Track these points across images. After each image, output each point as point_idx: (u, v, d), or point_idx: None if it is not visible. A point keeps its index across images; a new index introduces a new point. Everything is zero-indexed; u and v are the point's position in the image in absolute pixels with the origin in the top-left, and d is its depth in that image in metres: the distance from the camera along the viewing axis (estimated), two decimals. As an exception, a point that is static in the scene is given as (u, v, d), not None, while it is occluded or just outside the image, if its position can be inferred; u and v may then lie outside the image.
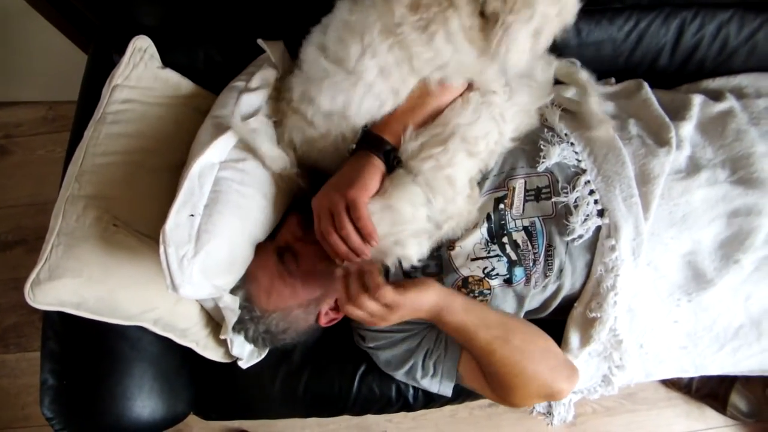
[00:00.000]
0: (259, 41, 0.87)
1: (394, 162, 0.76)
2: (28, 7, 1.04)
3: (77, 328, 0.81)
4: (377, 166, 0.75)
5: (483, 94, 0.77)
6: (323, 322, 0.88)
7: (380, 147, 0.75)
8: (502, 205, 0.80)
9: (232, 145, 0.76)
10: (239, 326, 0.85)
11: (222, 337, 0.85)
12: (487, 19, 0.69)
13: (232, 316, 0.81)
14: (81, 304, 0.75)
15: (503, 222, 0.80)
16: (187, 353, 0.88)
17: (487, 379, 0.81)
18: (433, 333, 0.86)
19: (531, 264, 0.80)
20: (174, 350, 0.88)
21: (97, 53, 0.93)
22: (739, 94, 0.91)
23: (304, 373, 0.95)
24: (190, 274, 0.68)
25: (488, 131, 0.77)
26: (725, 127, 0.84)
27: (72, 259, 0.73)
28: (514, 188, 0.81)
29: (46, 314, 0.82)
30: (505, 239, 0.80)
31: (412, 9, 0.68)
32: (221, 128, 0.76)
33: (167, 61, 0.90)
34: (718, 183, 0.80)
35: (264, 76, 0.84)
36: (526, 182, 0.81)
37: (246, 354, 0.90)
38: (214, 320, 0.90)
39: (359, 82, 0.72)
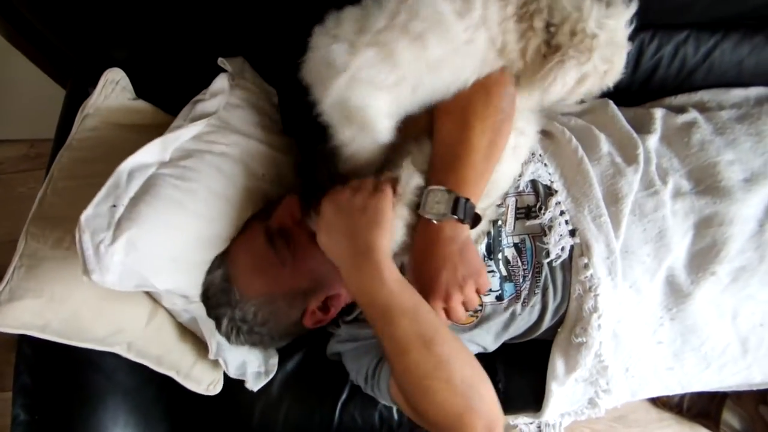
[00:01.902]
0: (220, 60, 0.89)
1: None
2: (7, 44, 1.06)
3: (51, 362, 0.80)
4: (471, 237, 0.72)
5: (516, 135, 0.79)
6: (309, 322, 0.82)
7: (478, 219, 0.72)
8: (499, 222, 0.82)
9: (172, 147, 0.76)
10: (213, 312, 0.80)
11: (211, 357, 0.81)
12: (548, 50, 0.72)
13: (210, 329, 0.79)
14: (45, 327, 0.74)
15: (499, 238, 0.81)
16: (164, 386, 0.86)
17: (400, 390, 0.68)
18: None
19: (521, 280, 0.80)
20: (150, 382, 0.86)
21: (73, 88, 0.95)
22: (702, 108, 0.94)
23: (283, 404, 0.93)
24: (109, 262, 0.66)
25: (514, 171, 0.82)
26: (690, 137, 0.86)
27: (33, 280, 0.73)
28: (508, 206, 0.83)
29: (19, 349, 0.80)
30: (499, 255, 0.81)
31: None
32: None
33: (141, 92, 0.92)
34: (685, 194, 0.82)
35: (220, 83, 0.86)
36: (516, 200, 0.83)
37: (250, 375, 0.87)
38: (195, 348, 0.88)
39: (471, 43, 0.70)
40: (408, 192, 0.69)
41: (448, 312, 0.69)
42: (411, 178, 0.70)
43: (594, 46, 0.69)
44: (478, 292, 0.69)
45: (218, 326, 0.82)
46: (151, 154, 0.75)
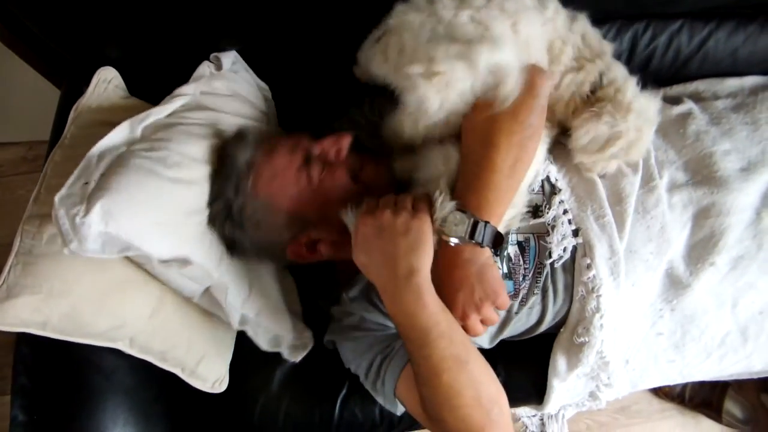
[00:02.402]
0: (213, 56, 0.90)
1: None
2: (3, 47, 1.06)
3: (49, 362, 0.79)
4: (492, 259, 0.70)
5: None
6: (291, 251, 0.81)
7: (501, 244, 0.70)
8: None
9: (141, 126, 0.77)
10: (216, 188, 0.78)
11: (235, 328, 0.82)
12: (590, 97, 0.79)
13: (223, 293, 0.78)
14: (46, 323, 0.74)
15: (507, 234, 0.80)
16: (165, 385, 0.86)
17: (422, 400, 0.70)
18: (390, 337, 0.82)
19: (520, 278, 0.80)
20: (151, 382, 0.86)
21: (68, 88, 0.95)
22: (697, 98, 0.94)
23: (284, 401, 0.93)
24: (86, 233, 0.67)
25: None
26: (686, 128, 0.86)
27: (30, 276, 0.73)
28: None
29: (17, 349, 0.80)
30: (504, 252, 0.80)
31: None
32: None
33: (134, 91, 0.92)
34: (681, 186, 0.82)
35: (201, 70, 0.87)
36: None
37: (285, 348, 0.87)
38: (202, 344, 0.87)
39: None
40: (441, 218, 0.68)
41: (466, 329, 0.69)
42: (445, 204, 0.68)
43: (631, 108, 0.75)
44: (498, 307, 0.69)
45: (211, 202, 0.79)
46: (120, 135, 0.76)
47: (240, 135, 0.81)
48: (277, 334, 0.88)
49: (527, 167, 0.73)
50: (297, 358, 0.89)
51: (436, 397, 0.65)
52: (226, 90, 0.89)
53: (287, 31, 0.92)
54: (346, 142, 0.80)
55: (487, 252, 0.68)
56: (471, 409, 0.64)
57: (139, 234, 0.72)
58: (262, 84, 0.97)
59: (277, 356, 0.93)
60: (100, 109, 0.87)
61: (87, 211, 0.67)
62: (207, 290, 0.81)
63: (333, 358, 0.90)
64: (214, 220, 0.80)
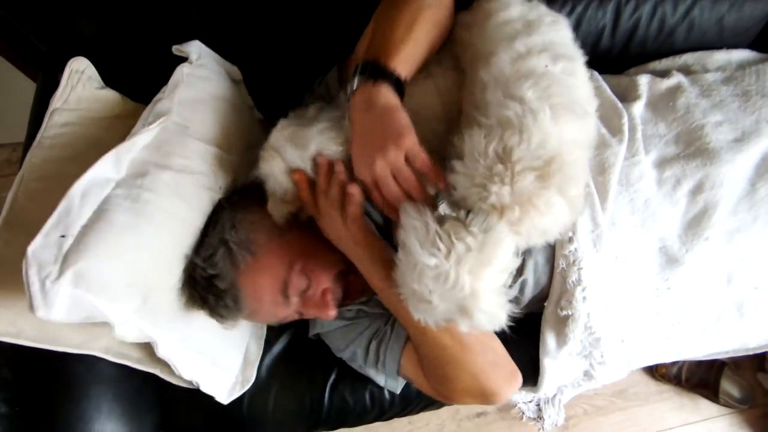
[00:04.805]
0: (175, 48, 0.86)
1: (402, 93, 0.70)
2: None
3: (30, 354, 0.77)
4: (397, 102, 0.66)
5: None
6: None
7: (392, 77, 0.67)
8: None
9: (128, 160, 0.72)
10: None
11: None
12: None
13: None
14: (18, 334, 0.72)
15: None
16: (150, 374, 0.84)
17: (422, 368, 0.77)
18: (382, 318, 0.83)
19: None
20: (135, 371, 0.83)
21: (44, 78, 0.93)
22: (687, 71, 0.92)
23: (273, 388, 0.92)
24: (53, 297, 0.63)
25: None
26: (675, 101, 0.85)
27: (4, 288, 0.71)
28: None
29: (-3, 341, 0.79)
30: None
31: None
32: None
33: (109, 78, 0.90)
34: (673, 160, 0.80)
35: (173, 80, 0.81)
36: None
37: (224, 388, 0.85)
38: None
39: None
40: (349, 91, 0.69)
41: (379, 187, 0.64)
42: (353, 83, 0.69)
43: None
44: (408, 160, 0.64)
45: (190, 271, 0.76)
46: (104, 169, 0.70)
47: (209, 259, 0.75)
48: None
49: (427, 33, 0.73)
50: (230, 398, 0.87)
51: (431, 357, 0.72)
52: (201, 92, 0.84)
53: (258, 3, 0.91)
54: (332, 313, 0.77)
55: (385, 92, 0.65)
56: (469, 358, 0.70)
57: (109, 297, 0.67)
58: (232, 67, 0.94)
59: (264, 344, 0.93)
60: (77, 104, 0.85)
61: (59, 274, 0.63)
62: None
63: (320, 344, 0.89)
64: (207, 228, 0.77)
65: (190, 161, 0.76)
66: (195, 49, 0.86)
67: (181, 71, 0.82)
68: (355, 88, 0.67)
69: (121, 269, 0.68)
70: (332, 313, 0.76)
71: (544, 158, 0.58)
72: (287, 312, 0.77)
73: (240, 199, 0.78)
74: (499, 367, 0.74)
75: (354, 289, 0.80)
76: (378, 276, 0.70)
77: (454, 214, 0.60)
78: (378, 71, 0.66)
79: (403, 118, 0.64)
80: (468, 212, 0.59)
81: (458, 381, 0.72)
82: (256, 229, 0.75)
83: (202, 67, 0.86)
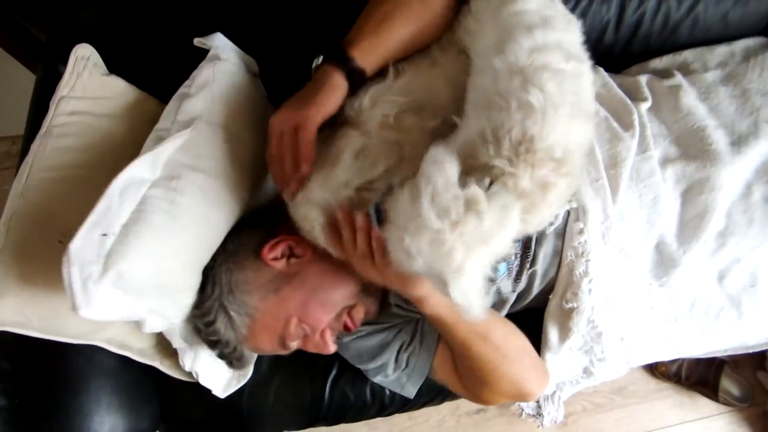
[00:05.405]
0: (197, 40, 0.85)
1: (357, 82, 0.72)
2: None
3: (30, 346, 0.77)
4: (340, 85, 0.69)
5: None
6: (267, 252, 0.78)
7: (346, 63, 0.70)
8: None
9: (162, 161, 0.72)
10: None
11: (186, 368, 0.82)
12: None
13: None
14: (25, 324, 0.72)
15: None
16: (150, 367, 0.85)
17: (459, 373, 0.81)
18: (410, 327, 0.84)
19: (512, 258, 0.78)
20: (134, 363, 0.84)
21: (44, 68, 0.93)
22: (686, 70, 0.92)
23: (273, 382, 0.92)
24: (95, 297, 0.63)
25: None
26: (678, 101, 0.84)
27: (14, 277, 0.71)
28: None
29: (-3, 333, 0.79)
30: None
31: None
32: (160, 142, 0.73)
33: (113, 68, 0.89)
34: (674, 160, 0.80)
35: (202, 77, 0.80)
36: None
37: (221, 382, 0.86)
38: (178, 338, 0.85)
39: None
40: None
41: (279, 162, 0.69)
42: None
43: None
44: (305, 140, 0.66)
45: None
46: (141, 168, 0.70)
47: (211, 325, 0.77)
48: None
49: (402, 26, 0.73)
50: (226, 392, 0.89)
51: (474, 368, 0.77)
52: (228, 90, 0.82)
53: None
54: (331, 350, 0.80)
55: (336, 75, 0.69)
56: (508, 366, 0.76)
57: (140, 297, 0.69)
58: (250, 60, 0.93)
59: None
60: (84, 91, 0.84)
61: (102, 274, 0.63)
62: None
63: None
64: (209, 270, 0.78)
65: (220, 163, 0.76)
66: (220, 43, 0.85)
67: (213, 68, 0.81)
68: (317, 65, 0.72)
69: (156, 271, 0.68)
70: (331, 350, 0.79)
71: (562, 151, 0.58)
72: (290, 351, 0.81)
73: (235, 248, 0.78)
74: (534, 370, 0.80)
75: (356, 318, 0.80)
76: (435, 301, 0.70)
77: (477, 184, 0.57)
78: (337, 55, 0.70)
79: (328, 98, 0.68)
80: (491, 183, 0.58)
81: (498, 385, 0.78)
82: (252, 291, 0.76)
83: (226, 61, 0.85)
